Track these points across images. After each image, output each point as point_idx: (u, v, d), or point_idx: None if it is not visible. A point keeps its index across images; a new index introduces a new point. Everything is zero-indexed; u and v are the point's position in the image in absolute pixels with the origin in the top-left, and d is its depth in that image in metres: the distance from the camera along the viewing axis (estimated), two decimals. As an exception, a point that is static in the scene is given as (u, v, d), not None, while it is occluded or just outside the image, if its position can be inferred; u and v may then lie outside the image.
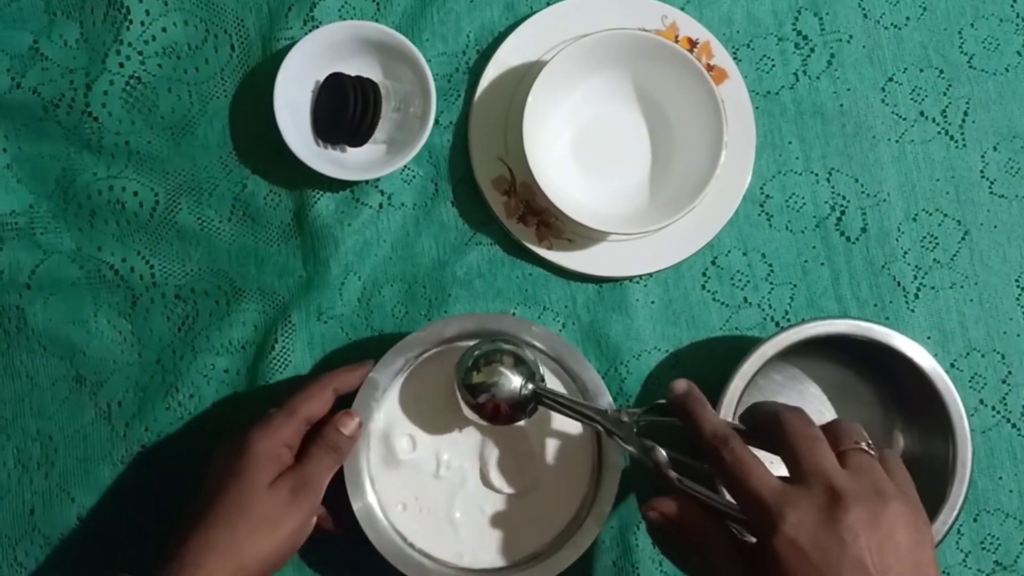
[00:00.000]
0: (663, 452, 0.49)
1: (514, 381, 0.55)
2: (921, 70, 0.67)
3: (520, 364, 0.55)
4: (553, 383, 0.60)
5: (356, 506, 0.56)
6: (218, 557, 0.50)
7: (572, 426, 0.59)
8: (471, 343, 0.58)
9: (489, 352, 0.56)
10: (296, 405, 0.55)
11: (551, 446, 0.59)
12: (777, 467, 0.46)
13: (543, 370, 0.57)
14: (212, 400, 0.62)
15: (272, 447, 0.53)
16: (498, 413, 0.55)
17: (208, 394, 0.62)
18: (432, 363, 0.59)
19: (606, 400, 0.58)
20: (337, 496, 0.56)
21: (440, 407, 0.59)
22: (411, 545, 0.58)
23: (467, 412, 0.57)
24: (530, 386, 0.55)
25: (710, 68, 0.64)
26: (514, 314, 0.64)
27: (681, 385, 0.50)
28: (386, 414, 0.59)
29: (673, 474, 0.48)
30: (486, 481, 0.59)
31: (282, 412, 0.54)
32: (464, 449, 0.59)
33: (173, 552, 0.51)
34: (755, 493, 0.43)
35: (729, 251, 0.65)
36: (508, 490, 0.59)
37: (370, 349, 0.62)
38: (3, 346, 0.62)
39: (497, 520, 0.59)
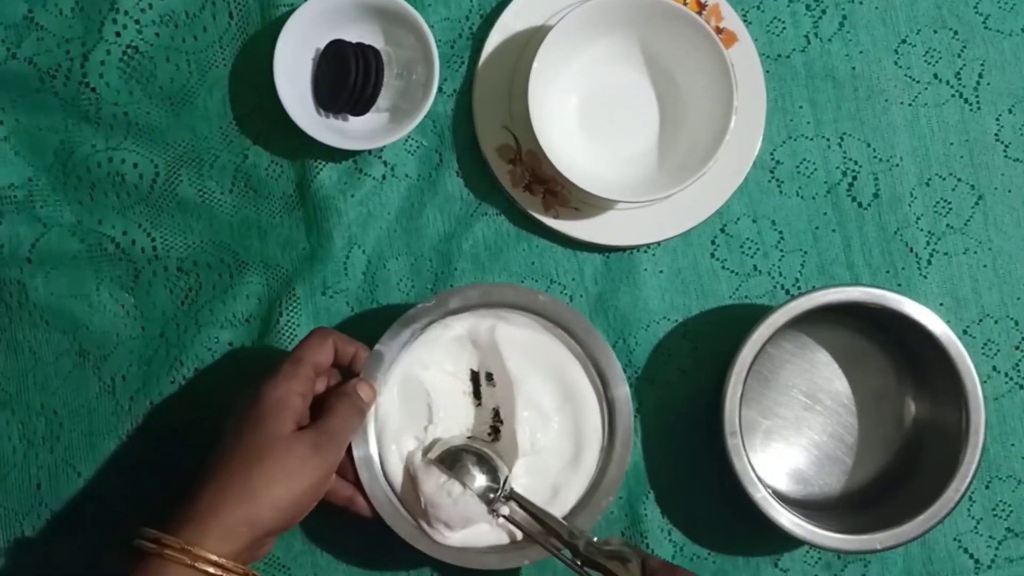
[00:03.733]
0: None
1: (479, 482, 0.56)
2: (935, 31, 0.65)
3: (485, 464, 0.56)
4: (562, 351, 0.59)
5: (365, 480, 0.56)
6: (233, 503, 0.49)
7: (583, 392, 0.59)
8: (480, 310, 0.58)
9: (456, 451, 0.57)
10: (301, 353, 0.54)
11: (563, 417, 0.59)
12: None
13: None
14: (216, 373, 0.62)
15: (285, 395, 0.52)
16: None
17: (212, 367, 0.62)
18: (437, 331, 0.58)
19: (622, 391, 0.58)
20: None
21: (447, 379, 0.59)
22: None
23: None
24: (504, 490, 0.56)
25: (719, 31, 0.63)
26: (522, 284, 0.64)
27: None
28: (398, 387, 0.58)
29: None
30: (497, 449, 0.58)
31: (288, 361, 0.53)
32: (476, 422, 0.59)
33: (188, 497, 0.50)
34: None
35: (739, 218, 0.64)
36: (520, 456, 0.58)
37: (376, 323, 0.61)
38: (5, 321, 0.61)
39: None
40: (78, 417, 0.61)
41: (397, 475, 0.57)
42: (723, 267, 0.64)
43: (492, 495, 0.56)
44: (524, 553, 0.57)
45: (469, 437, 0.59)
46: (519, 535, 0.57)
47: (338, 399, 0.54)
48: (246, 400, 0.53)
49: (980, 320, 0.65)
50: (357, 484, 0.56)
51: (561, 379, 0.59)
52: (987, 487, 0.64)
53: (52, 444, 0.61)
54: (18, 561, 0.61)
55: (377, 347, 0.57)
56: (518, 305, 0.58)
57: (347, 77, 0.59)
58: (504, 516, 0.56)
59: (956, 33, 0.65)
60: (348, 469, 0.56)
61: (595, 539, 0.55)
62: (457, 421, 0.59)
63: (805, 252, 0.65)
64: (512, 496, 0.56)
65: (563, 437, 0.58)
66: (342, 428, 0.53)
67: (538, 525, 0.56)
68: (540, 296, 0.58)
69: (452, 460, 0.56)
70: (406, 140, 0.63)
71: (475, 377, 0.60)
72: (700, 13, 0.63)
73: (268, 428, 0.51)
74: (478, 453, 0.57)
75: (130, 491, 0.61)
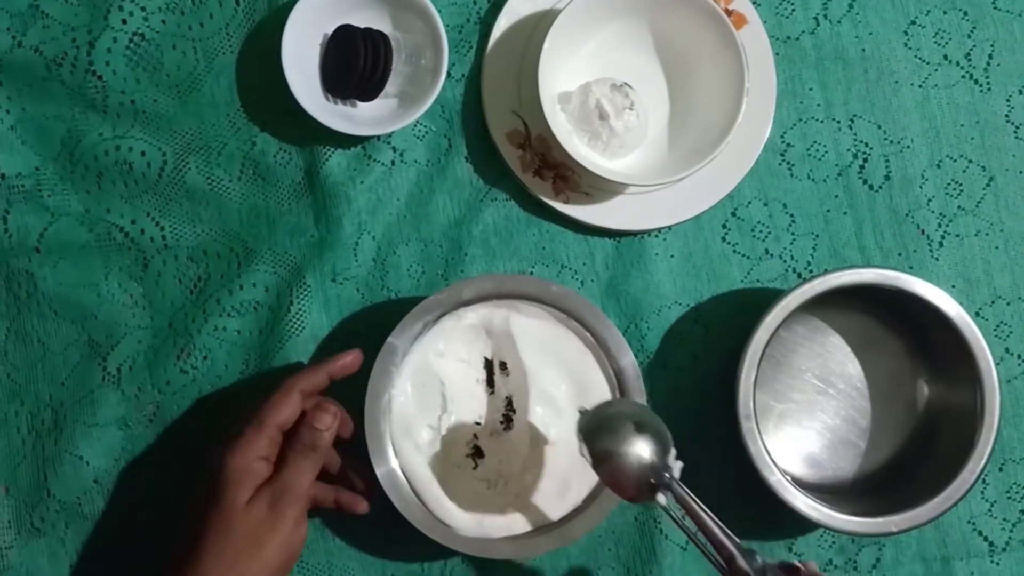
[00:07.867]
0: None
1: (644, 454, 0.49)
2: (945, 12, 0.65)
3: (650, 434, 0.50)
4: (575, 342, 0.58)
5: (380, 471, 0.56)
6: None
7: (597, 385, 0.58)
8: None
9: (616, 415, 0.51)
10: (264, 416, 0.53)
11: (576, 409, 0.58)
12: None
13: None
14: (224, 362, 0.62)
15: (246, 464, 0.52)
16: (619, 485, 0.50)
17: (220, 356, 0.61)
18: (450, 321, 0.58)
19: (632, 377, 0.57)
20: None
21: (460, 367, 0.59)
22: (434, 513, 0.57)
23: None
24: (666, 474, 0.49)
25: (729, 13, 0.62)
26: (531, 273, 0.63)
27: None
28: (411, 379, 0.58)
29: None
30: (512, 438, 0.58)
31: (251, 426, 0.53)
32: (489, 410, 0.59)
33: None
34: None
35: (750, 202, 0.64)
36: (532, 447, 0.58)
37: (387, 312, 0.61)
38: (14, 311, 0.61)
39: (525, 488, 0.58)
40: (82, 407, 0.61)
41: (413, 465, 0.57)
42: (734, 251, 0.64)
43: (656, 475, 0.49)
44: (537, 542, 0.56)
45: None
46: (530, 524, 0.57)
47: (291, 449, 0.54)
48: (210, 468, 0.53)
49: (992, 302, 0.65)
50: (339, 478, 0.57)
51: (574, 370, 0.58)
52: (1001, 469, 0.64)
53: (57, 436, 0.60)
54: (29, 553, 0.60)
55: (390, 340, 0.57)
56: (531, 296, 0.58)
57: (356, 62, 0.58)
58: (660, 504, 0.49)
59: (966, 14, 0.65)
60: (332, 462, 0.57)
61: (753, 552, 0.48)
62: (471, 409, 0.59)
63: (816, 235, 0.64)
64: (675, 484, 0.49)
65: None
66: (296, 478, 0.53)
67: (694, 524, 0.49)
68: (553, 287, 0.58)
69: (609, 427, 0.50)
70: (415, 126, 0.63)
71: (489, 365, 0.59)
72: (710, -5, 0.62)
73: (228, 501, 0.52)
74: (641, 421, 0.50)
75: (138, 481, 0.61)
